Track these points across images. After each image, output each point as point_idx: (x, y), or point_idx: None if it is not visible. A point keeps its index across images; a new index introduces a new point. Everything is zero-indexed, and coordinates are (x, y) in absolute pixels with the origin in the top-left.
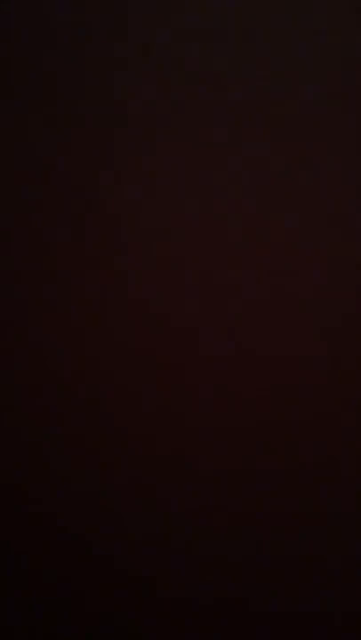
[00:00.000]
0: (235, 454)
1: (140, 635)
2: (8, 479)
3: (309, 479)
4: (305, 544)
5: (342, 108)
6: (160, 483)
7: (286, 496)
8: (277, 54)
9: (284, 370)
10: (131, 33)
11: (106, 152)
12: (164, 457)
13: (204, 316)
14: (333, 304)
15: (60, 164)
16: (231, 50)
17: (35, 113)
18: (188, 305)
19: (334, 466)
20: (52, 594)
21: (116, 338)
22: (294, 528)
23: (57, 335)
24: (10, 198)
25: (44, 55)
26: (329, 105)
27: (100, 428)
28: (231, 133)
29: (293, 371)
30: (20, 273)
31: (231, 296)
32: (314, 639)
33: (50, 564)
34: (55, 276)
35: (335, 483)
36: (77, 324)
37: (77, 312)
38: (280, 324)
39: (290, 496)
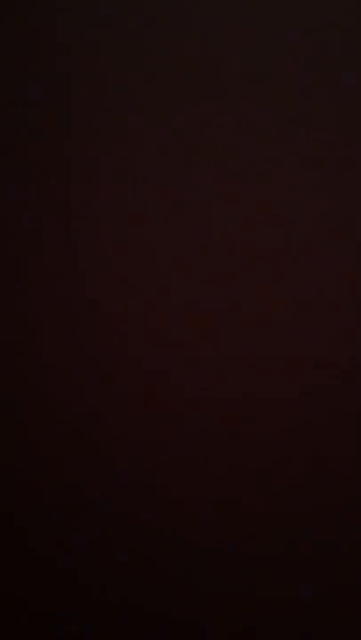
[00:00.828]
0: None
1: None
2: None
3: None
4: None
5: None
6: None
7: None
8: (274, 41)
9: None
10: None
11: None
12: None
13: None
14: (340, 309)
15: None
16: (232, 48)
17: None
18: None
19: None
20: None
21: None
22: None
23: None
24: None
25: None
26: (329, 103)
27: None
28: (231, 133)
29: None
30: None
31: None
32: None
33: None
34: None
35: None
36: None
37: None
38: (282, 330)
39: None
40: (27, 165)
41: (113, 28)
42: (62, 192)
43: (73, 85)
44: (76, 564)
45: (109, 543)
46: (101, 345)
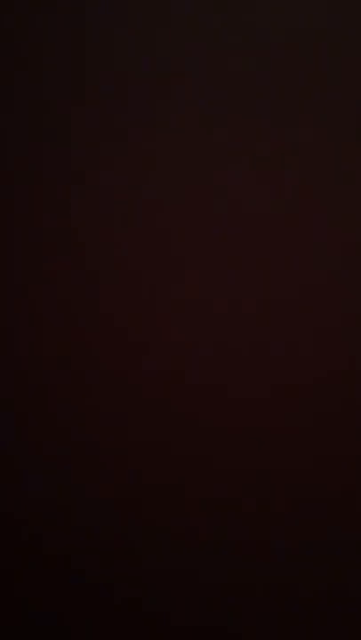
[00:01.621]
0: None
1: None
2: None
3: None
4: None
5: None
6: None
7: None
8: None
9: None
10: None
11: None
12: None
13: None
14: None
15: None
16: (232, 48)
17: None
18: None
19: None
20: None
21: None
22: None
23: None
24: None
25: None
26: (330, 104)
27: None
28: (232, 132)
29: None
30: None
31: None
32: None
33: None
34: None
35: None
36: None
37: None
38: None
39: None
40: (27, 166)
41: (113, 32)
42: (62, 192)
43: (73, 91)
44: (77, 564)
45: (109, 541)
46: (101, 344)
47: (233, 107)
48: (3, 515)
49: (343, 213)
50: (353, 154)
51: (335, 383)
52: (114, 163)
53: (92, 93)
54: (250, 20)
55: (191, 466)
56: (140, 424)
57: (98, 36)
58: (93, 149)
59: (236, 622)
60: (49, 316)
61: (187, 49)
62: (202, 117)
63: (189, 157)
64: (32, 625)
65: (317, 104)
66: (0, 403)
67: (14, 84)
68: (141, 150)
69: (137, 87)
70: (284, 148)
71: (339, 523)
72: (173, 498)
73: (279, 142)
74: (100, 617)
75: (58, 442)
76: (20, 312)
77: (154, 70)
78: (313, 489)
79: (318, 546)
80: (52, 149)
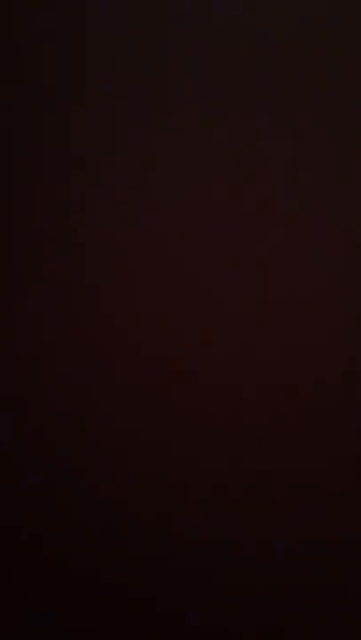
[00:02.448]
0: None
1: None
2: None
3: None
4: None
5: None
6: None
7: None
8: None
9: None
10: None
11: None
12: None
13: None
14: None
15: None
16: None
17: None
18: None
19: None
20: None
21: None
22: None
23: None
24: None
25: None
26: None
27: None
28: (233, 134)
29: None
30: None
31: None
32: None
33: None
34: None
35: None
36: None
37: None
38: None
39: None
40: (27, 166)
41: (113, 32)
42: (62, 192)
43: (73, 92)
44: (76, 564)
45: (109, 541)
46: (101, 344)
47: (233, 107)
48: (2, 514)
49: (343, 213)
50: (353, 154)
51: (335, 383)
52: (114, 163)
53: (91, 93)
54: (250, 20)
55: (191, 465)
56: (140, 423)
57: (98, 36)
58: (93, 149)
59: (237, 622)
60: (49, 316)
61: (187, 49)
62: (202, 117)
63: (189, 157)
64: (32, 625)
65: (317, 104)
66: (0, 403)
67: (14, 84)
68: (141, 150)
69: (137, 87)
70: (285, 147)
71: (339, 523)
72: (173, 498)
73: (279, 142)
74: (99, 617)
75: (57, 442)
76: (20, 312)
77: (154, 70)
78: (313, 489)
79: (318, 546)
80: (52, 149)
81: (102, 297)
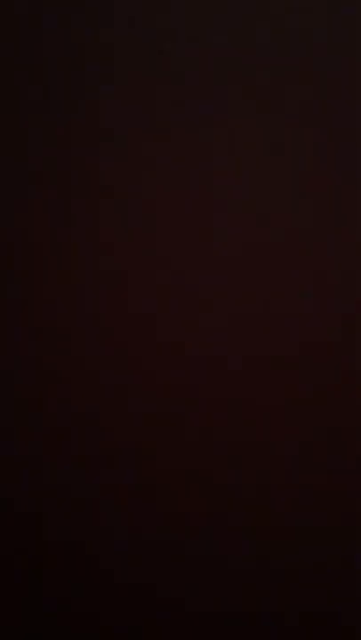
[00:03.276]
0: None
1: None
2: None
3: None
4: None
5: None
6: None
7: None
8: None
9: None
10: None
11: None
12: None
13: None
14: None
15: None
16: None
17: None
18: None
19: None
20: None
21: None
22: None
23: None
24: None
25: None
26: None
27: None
28: (230, 134)
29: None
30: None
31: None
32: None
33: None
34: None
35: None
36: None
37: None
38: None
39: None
40: (27, 166)
41: (113, 32)
42: (63, 192)
43: (73, 94)
44: (77, 564)
45: (109, 539)
46: (101, 344)
47: (233, 106)
48: (2, 514)
49: (343, 213)
50: (353, 154)
51: (337, 383)
52: (114, 163)
53: (91, 94)
54: (250, 20)
55: (192, 466)
56: (140, 423)
57: (98, 36)
58: (93, 149)
59: (236, 622)
60: (49, 316)
61: (187, 49)
62: (202, 117)
63: (189, 157)
64: (31, 611)
65: (317, 104)
66: (0, 403)
67: (14, 84)
68: (141, 151)
69: (137, 88)
70: (285, 147)
71: (339, 523)
72: (174, 497)
73: (279, 142)
74: (99, 618)
75: (58, 440)
76: (20, 312)
77: (154, 70)
78: (313, 488)
79: (318, 545)
80: (52, 149)
81: (102, 297)
